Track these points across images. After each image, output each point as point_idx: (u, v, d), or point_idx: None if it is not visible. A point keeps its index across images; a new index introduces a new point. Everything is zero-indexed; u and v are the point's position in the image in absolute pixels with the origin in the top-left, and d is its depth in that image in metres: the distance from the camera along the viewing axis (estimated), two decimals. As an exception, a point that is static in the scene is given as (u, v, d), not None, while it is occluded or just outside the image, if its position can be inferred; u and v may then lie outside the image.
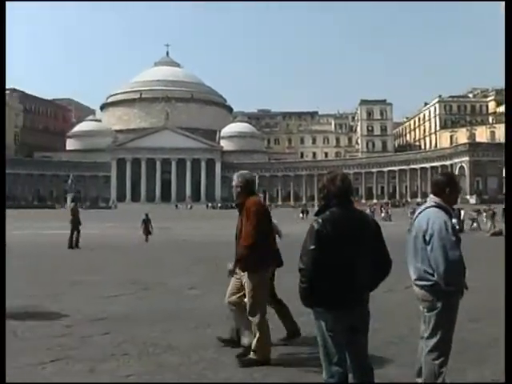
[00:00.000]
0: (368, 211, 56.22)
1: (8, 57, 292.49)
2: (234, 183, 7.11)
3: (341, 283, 4.48)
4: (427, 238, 4.85)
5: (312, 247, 4.44)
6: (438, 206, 5.03)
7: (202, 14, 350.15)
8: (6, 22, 7.04)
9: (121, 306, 10.19)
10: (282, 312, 7.84)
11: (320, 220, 4.52)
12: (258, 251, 6.58)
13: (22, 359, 6.77)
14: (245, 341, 6.99)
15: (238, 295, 6.99)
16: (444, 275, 4.72)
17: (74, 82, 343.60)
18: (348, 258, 4.50)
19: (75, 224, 24.23)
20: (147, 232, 27.86)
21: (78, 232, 24.16)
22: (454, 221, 5.08)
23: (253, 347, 6.70)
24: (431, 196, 5.16)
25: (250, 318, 6.79)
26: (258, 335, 6.68)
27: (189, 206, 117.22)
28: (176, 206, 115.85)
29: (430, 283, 4.91)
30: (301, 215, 65.15)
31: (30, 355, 6.94)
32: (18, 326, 8.60)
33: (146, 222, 28.32)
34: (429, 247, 4.84)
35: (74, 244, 23.61)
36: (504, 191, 5.35)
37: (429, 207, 5.07)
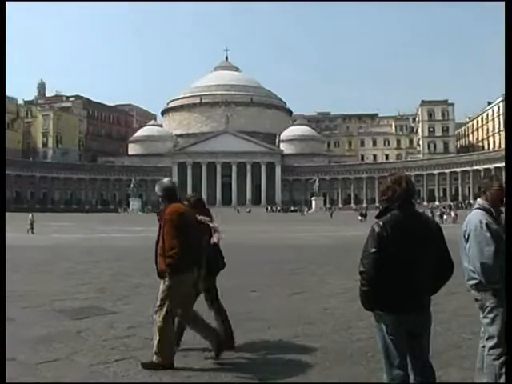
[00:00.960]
0: (429, 214, 55.52)
1: (73, 65, 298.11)
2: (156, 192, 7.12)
3: (402, 286, 4.43)
4: (466, 237, 4.97)
5: (373, 250, 4.40)
6: (480, 207, 5.16)
7: (260, 17, 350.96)
8: (5, 23, 7.17)
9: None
10: (219, 320, 7.69)
11: (381, 223, 4.48)
12: (177, 256, 6.49)
13: (86, 359, 6.91)
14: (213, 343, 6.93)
15: (166, 303, 6.75)
16: (481, 271, 4.80)
17: (135, 88, 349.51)
18: (410, 261, 4.45)
19: None
20: None
21: None
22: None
23: (154, 350, 6.62)
24: (477, 199, 5.29)
25: (155, 316, 6.73)
26: (158, 338, 6.61)
27: (247, 210, 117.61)
28: (238, 210, 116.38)
29: (475, 282, 4.98)
30: (359, 218, 64.81)
31: (94, 355, 7.07)
32: (82, 326, 8.78)
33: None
34: (467, 246, 4.93)
35: None
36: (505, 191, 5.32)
37: (473, 210, 5.22)
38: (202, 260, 6.92)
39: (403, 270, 4.43)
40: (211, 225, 7.50)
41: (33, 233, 38.75)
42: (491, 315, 4.96)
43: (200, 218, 7.39)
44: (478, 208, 5.15)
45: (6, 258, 9.99)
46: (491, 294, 4.90)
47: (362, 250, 4.52)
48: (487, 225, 4.92)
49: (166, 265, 6.56)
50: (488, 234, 4.86)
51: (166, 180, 7.37)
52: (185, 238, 6.57)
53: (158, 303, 6.75)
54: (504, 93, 5.60)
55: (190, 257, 6.61)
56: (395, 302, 4.45)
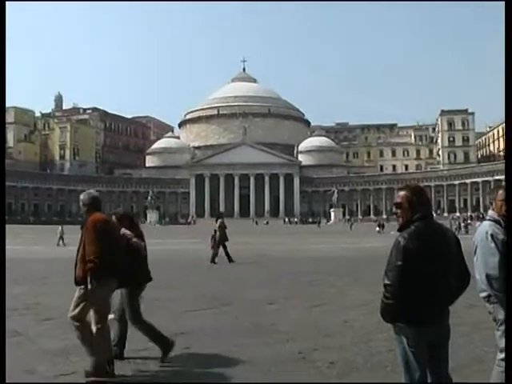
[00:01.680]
0: (451, 225, 55.29)
1: (90, 77, 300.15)
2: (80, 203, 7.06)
3: (425, 299, 4.45)
4: (474, 249, 5.00)
5: (399, 263, 4.40)
6: (490, 218, 5.20)
7: (278, 27, 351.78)
8: (5, 24, 7.26)
9: (201, 322, 10.32)
10: (148, 331, 7.73)
11: (406, 235, 4.48)
12: (98, 261, 6.46)
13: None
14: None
15: (79, 308, 6.78)
16: (486, 282, 4.81)
17: (152, 100, 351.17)
18: (433, 274, 4.46)
19: (222, 240, 24.71)
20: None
21: (225, 247, 24.60)
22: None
23: (91, 362, 6.66)
24: (489, 210, 5.34)
25: (75, 322, 6.79)
26: (94, 349, 6.64)
27: (265, 222, 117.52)
28: (256, 222, 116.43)
29: (486, 294, 5.00)
30: (377, 229, 64.60)
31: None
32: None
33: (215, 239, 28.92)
34: (475, 258, 4.97)
35: (213, 259, 24.06)
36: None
37: (484, 221, 5.27)
38: (120, 270, 6.91)
39: (427, 282, 4.44)
40: (133, 240, 7.53)
41: (64, 245, 38.96)
42: (503, 327, 4.97)
43: (122, 231, 7.48)
44: (488, 219, 5.17)
45: (6, 258, 10.04)
46: (502, 306, 4.90)
47: (387, 263, 4.52)
48: (492, 235, 4.93)
49: (87, 269, 6.53)
50: (492, 245, 4.87)
51: (91, 191, 7.36)
52: (106, 244, 6.57)
53: (77, 310, 6.79)
54: (504, 93, 5.59)
55: (111, 263, 6.60)
56: (417, 314, 4.46)
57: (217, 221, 26.28)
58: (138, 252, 7.64)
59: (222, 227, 25.31)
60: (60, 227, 40.86)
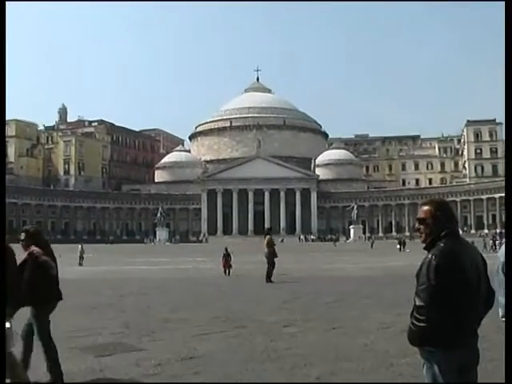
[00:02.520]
0: (480, 242, 54.93)
1: (96, 89, 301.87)
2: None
3: (457, 321, 4.41)
4: (496, 269, 4.94)
5: (433, 283, 4.37)
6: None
7: (292, 35, 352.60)
8: (5, 25, 7.32)
9: (212, 345, 10.30)
10: (51, 353, 7.73)
11: (438, 253, 4.45)
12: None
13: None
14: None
15: None
16: (499, 305, 4.75)
17: (161, 112, 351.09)
18: (467, 294, 4.43)
19: (271, 257, 24.81)
20: (228, 266, 29.59)
21: (274, 266, 24.72)
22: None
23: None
24: None
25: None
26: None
27: (280, 239, 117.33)
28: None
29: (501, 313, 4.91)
30: (398, 247, 64.30)
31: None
32: (106, 363, 8.84)
33: (226, 257, 29.98)
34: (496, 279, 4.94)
35: (269, 277, 24.17)
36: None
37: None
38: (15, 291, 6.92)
39: (459, 303, 4.41)
40: (41, 258, 7.66)
41: (81, 264, 39.15)
42: None
43: (32, 248, 7.70)
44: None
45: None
46: None
47: (417, 283, 4.49)
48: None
49: None
50: (502, 277, 4.81)
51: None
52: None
53: None
54: (504, 94, 5.58)
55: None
56: (449, 337, 4.41)
57: (265, 237, 26.61)
58: (47, 270, 7.73)
59: (271, 244, 25.55)
60: (80, 246, 41.06)
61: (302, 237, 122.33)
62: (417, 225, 4.73)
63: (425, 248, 4.62)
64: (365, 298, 17.93)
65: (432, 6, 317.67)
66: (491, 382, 6.93)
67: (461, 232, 4.82)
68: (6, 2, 7.41)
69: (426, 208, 4.68)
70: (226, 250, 30.19)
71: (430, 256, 4.48)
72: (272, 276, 24.29)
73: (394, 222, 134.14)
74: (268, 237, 26.27)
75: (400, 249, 62.37)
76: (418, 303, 4.43)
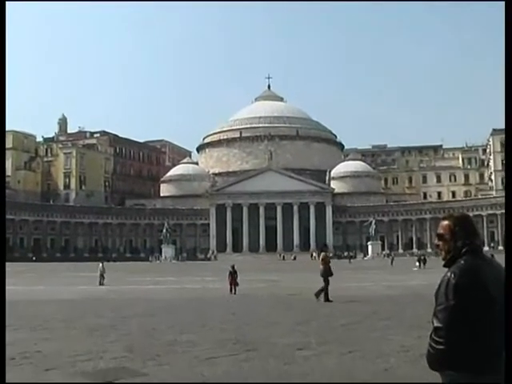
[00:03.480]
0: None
1: (98, 98, 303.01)
2: None
3: (481, 343, 4.36)
4: None
5: (452, 303, 4.34)
6: None
7: (305, 42, 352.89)
8: (5, 26, 7.41)
9: (221, 370, 10.25)
10: None
11: (457, 271, 4.43)
12: None
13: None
14: None
15: None
16: None
17: (167, 122, 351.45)
18: (490, 315, 4.39)
19: (327, 275, 24.90)
20: (234, 284, 30.15)
21: (327, 283, 24.79)
22: None
23: None
24: None
25: None
26: None
27: (292, 257, 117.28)
28: (283, 257, 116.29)
29: None
30: (417, 264, 64.06)
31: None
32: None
33: (233, 274, 30.51)
34: None
35: (327, 297, 24.23)
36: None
37: None
38: None
39: (482, 324, 4.37)
40: None
41: (102, 284, 39.17)
42: None
43: None
44: None
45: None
46: None
47: (436, 303, 4.46)
48: None
49: None
50: None
51: None
52: None
53: None
54: (504, 94, 5.57)
55: None
56: (472, 361, 4.35)
57: (320, 253, 26.93)
58: None
59: (326, 260, 25.74)
60: (101, 264, 41.07)
61: (315, 254, 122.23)
62: (436, 241, 4.72)
63: (444, 265, 4.60)
64: (384, 319, 17.86)
65: (463, 11, 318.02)
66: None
67: (487, 248, 4.79)
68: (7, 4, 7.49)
69: (444, 223, 4.66)
70: (233, 267, 30.72)
71: (448, 274, 4.45)
72: (320, 294, 24.40)
73: (414, 238, 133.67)
74: (323, 253, 26.68)
75: (419, 266, 62.19)
76: (436, 324, 4.39)
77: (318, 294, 24.37)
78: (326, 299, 24.04)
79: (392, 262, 78.76)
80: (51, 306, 23.86)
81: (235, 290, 29.62)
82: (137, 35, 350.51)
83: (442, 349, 4.35)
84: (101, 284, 39.14)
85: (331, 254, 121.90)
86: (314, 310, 21.17)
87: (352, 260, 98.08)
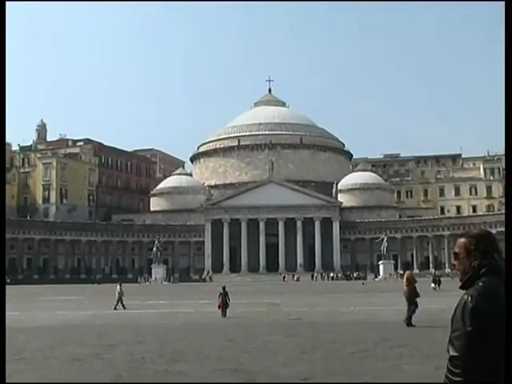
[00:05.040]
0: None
1: (81, 102, 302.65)
2: None
3: (501, 375, 4.34)
4: None
5: (469, 329, 4.30)
6: None
7: (308, 41, 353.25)
8: (5, 26, 7.48)
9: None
10: None
11: (475, 294, 4.41)
12: None
13: None
14: None
15: None
16: None
17: (158, 129, 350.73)
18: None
19: (413, 296, 24.84)
20: (225, 306, 30.76)
21: (416, 306, 24.73)
22: None
23: None
24: None
25: None
26: None
27: (295, 277, 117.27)
28: (284, 277, 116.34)
29: None
30: (432, 285, 64.02)
31: None
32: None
33: (224, 296, 31.06)
34: None
35: (410, 321, 24.19)
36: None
37: None
38: None
39: (503, 353, 4.35)
40: None
41: (124, 307, 38.93)
42: None
43: None
44: None
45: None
46: None
47: (451, 329, 4.43)
48: None
49: None
50: None
51: None
52: None
53: None
54: (504, 95, 5.60)
55: None
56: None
57: (403, 273, 26.79)
58: None
59: (412, 280, 25.58)
60: (118, 286, 40.88)
61: (315, 275, 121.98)
62: (453, 260, 4.71)
63: (461, 287, 4.58)
64: (397, 346, 17.85)
65: (478, 14, 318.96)
66: None
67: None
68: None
69: (460, 241, 4.65)
70: (224, 288, 31.32)
71: (465, 297, 4.42)
72: (410, 321, 24.30)
73: (431, 257, 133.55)
74: (408, 272, 26.44)
75: (435, 288, 62.19)
76: (451, 353, 4.36)
77: (408, 322, 24.13)
78: (408, 323, 23.92)
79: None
80: (27, 333, 23.81)
81: (225, 312, 30.24)
82: (125, 34, 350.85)
83: (458, 381, 4.31)
84: (123, 307, 38.78)
85: (339, 275, 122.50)
86: (319, 336, 21.14)
87: (365, 281, 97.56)
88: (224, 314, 30.21)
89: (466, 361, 4.29)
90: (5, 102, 7.84)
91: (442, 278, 68.79)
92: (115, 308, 38.63)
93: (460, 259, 4.56)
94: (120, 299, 39.47)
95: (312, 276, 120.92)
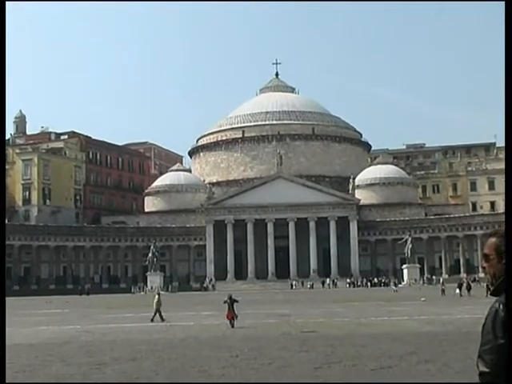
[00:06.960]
0: None
1: (65, 91, 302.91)
2: None
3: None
4: None
5: (501, 341, 4.26)
6: None
7: (320, 19, 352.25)
8: (5, 26, 7.49)
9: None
10: None
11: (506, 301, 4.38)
12: None
13: None
14: None
15: None
16: None
17: (153, 121, 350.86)
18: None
19: None
20: (232, 316, 31.29)
21: None
22: None
23: None
24: None
25: None
26: None
27: (309, 285, 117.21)
28: (293, 285, 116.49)
29: None
30: (457, 291, 63.77)
31: None
32: None
33: (230, 306, 31.56)
34: None
35: None
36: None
37: None
38: None
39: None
40: None
41: (162, 319, 38.89)
42: None
43: None
44: None
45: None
46: None
47: (481, 342, 4.40)
48: None
49: None
50: None
51: None
52: None
53: None
54: (504, 95, 5.59)
55: None
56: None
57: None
58: None
59: None
60: (157, 296, 40.81)
61: (327, 281, 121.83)
62: (483, 263, 4.65)
63: (492, 293, 4.53)
64: (424, 362, 17.82)
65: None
66: None
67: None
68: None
69: (491, 241, 4.61)
70: (230, 297, 31.58)
71: (496, 305, 4.38)
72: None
73: (462, 260, 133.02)
74: None
75: (460, 294, 62.00)
76: (481, 368, 4.34)
77: None
78: None
79: (444, 292, 76.58)
80: (6, 352, 23.80)
81: (233, 324, 30.81)
82: (116, 21, 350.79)
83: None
84: (162, 319, 38.74)
85: (353, 281, 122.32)
86: (336, 351, 21.12)
87: (396, 287, 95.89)
88: (232, 325, 30.67)
89: (498, 378, 4.25)
90: (5, 101, 7.88)
91: (473, 284, 68.42)
92: (152, 320, 38.70)
93: (490, 261, 4.50)
94: (158, 310, 39.41)
95: (322, 282, 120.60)
